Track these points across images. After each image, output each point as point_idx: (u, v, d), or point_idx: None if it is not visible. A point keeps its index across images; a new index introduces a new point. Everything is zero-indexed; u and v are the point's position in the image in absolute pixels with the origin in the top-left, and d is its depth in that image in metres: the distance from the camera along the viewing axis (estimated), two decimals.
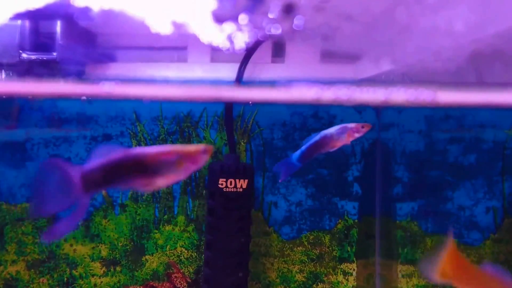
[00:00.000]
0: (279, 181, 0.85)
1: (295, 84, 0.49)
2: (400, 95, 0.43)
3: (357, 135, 0.70)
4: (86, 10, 0.75)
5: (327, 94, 0.44)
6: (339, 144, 0.69)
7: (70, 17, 0.89)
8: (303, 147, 0.71)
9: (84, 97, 0.95)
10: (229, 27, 0.56)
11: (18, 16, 0.86)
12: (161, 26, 0.59)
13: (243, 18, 0.53)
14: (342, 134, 0.69)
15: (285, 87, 0.49)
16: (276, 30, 0.56)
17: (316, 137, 0.70)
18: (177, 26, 0.59)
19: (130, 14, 0.67)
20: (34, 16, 0.86)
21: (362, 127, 0.70)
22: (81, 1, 0.67)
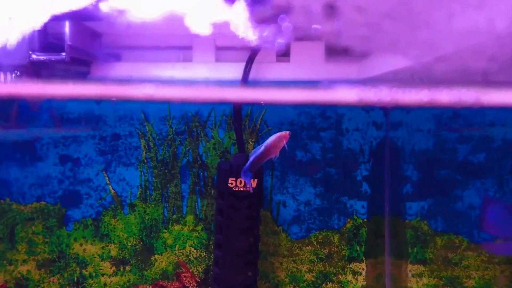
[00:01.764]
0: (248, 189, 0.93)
1: (336, 85, 0.48)
2: (443, 96, 0.43)
3: (285, 141, 0.81)
4: (94, 10, 0.75)
5: (369, 95, 0.44)
6: (276, 151, 0.81)
7: (79, 18, 0.89)
8: (250, 159, 0.82)
9: (114, 99, 0.96)
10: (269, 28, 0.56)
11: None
12: (197, 28, 0.59)
13: (282, 18, 0.52)
14: (280, 142, 0.81)
15: (326, 88, 0.49)
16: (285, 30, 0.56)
17: (261, 148, 0.82)
18: (217, 27, 0.59)
19: (135, 14, 0.67)
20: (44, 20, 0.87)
21: (289, 134, 0.81)
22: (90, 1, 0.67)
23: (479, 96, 0.47)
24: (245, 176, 0.84)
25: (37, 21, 0.71)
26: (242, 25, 0.54)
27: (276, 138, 0.81)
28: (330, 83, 0.48)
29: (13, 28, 0.61)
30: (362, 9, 0.45)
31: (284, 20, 0.50)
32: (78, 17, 0.88)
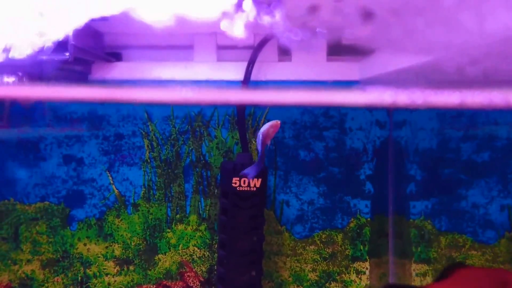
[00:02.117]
0: (250, 178, 0.95)
1: (368, 87, 0.48)
2: (475, 97, 0.42)
3: (276, 129, 0.83)
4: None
5: (402, 98, 0.43)
6: (270, 137, 0.83)
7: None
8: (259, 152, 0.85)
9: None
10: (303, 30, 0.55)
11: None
12: (234, 32, 0.58)
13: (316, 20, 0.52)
14: (266, 128, 0.83)
15: (360, 90, 0.48)
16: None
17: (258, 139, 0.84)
18: (250, 28, 0.58)
19: (136, 13, 0.67)
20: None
21: (277, 123, 0.83)
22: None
23: (509, 98, 0.46)
24: (254, 169, 0.86)
25: (71, 26, 0.70)
26: (276, 28, 0.54)
27: (268, 128, 0.82)
28: (339, 83, 0.47)
29: (47, 33, 0.60)
30: (396, 10, 0.44)
31: (318, 23, 0.50)
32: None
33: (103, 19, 0.89)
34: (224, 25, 0.52)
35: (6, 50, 0.59)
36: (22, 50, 0.62)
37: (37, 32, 0.60)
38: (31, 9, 0.55)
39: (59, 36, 0.61)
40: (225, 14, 0.51)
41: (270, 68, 1.01)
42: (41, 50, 0.70)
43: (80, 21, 0.58)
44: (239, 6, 0.49)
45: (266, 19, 0.48)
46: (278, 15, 0.47)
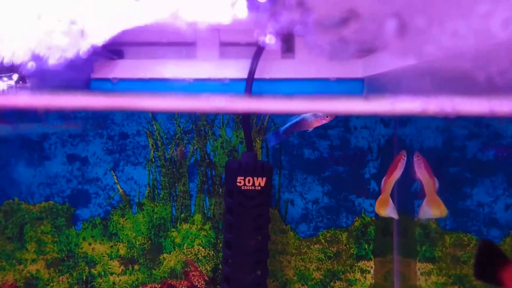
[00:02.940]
0: (269, 145, 1.04)
1: (372, 96, 0.47)
2: (504, 106, 0.41)
3: (323, 121, 0.88)
4: None
5: (431, 107, 0.42)
6: (310, 126, 0.89)
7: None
8: (287, 124, 0.91)
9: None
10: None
11: None
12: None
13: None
14: (313, 119, 0.88)
15: (388, 98, 0.47)
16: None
17: (297, 118, 0.90)
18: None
19: (138, 9, 0.66)
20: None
21: (327, 116, 0.87)
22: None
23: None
24: (274, 137, 0.93)
25: (107, 34, 0.69)
26: (307, 35, 0.53)
27: (312, 116, 0.88)
28: (341, 81, 0.46)
29: (77, 43, 0.60)
30: (431, 19, 0.43)
31: (350, 33, 0.48)
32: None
33: None
34: (256, 34, 0.51)
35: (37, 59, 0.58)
36: (51, 59, 0.62)
37: (66, 42, 0.59)
38: (61, 17, 0.55)
39: (97, 43, 0.60)
40: (257, 22, 0.50)
41: (273, 66, 1.00)
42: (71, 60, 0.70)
43: (115, 31, 0.58)
44: (272, 15, 0.48)
45: (297, 28, 0.47)
46: (310, 22, 0.46)
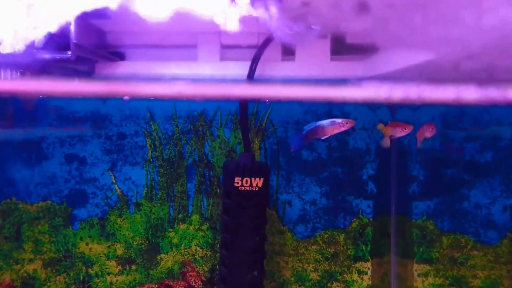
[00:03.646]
0: (292, 149, 1.03)
1: (364, 82, 0.47)
2: (470, 93, 0.42)
3: (342, 128, 0.84)
4: (101, 8, 0.75)
5: (397, 93, 0.43)
6: (328, 133, 0.85)
7: (85, 15, 0.89)
8: (304, 131, 0.89)
9: (126, 97, 0.95)
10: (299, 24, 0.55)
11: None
12: (229, 25, 0.58)
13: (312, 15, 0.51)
14: (330, 126, 0.85)
15: (355, 86, 0.48)
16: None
17: (312, 125, 0.87)
18: (247, 23, 0.58)
19: (140, 12, 0.66)
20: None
21: (347, 123, 0.84)
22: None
23: (507, 94, 0.46)
24: (298, 141, 0.90)
25: (61, 20, 0.70)
26: (271, 22, 0.53)
27: (329, 122, 0.85)
28: (343, 81, 0.47)
29: (37, 26, 0.60)
30: (392, 4, 0.44)
31: (314, 17, 0.49)
32: (84, 15, 0.88)
33: (105, 17, 0.89)
34: (218, 19, 0.51)
35: None
36: (13, 45, 0.62)
37: (26, 26, 0.59)
38: (19, 1, 0.55)
39: (51, 29, 0.60)
40: (219, 8, 0.50)
41: (273, 67, 1.01)
42: (32, 45, 0.70)
43: (71, 14, 0.58)
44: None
45: (260, 12, 0.48)
46: (272, 8, 0.47)
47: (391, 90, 0.42)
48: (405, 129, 0.86)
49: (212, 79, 1.00)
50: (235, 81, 0.99)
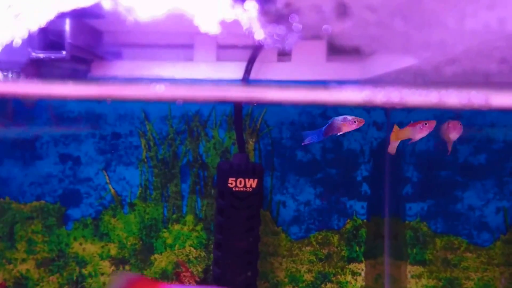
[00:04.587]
0: (307, 142, 0.97)
1: (343, 85, 0.48)
2: (452, 97, 0.42)
3: (353, 126, 0.84)
4: (96, 8, 0.75)
5: (379, 97, 0.43)
6: (341, 129, 0.85)
7: (80, 15, 0.89)
8: (324, 127, 0.88)
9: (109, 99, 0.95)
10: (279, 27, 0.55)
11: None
12: (206, 27, 0.58)
13: (293, 18, 0.52)
14: (343, 122, 0.85)
15: (333, 89, 0.48)
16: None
17: (329, 121, 0.87)
18: (221, 25, 0.58)
19: (137, 11, 0.66)
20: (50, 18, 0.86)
21: (355, 121, 0.84)
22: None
23: (488, 99, 0.46)
24: (316, 136, 0.88)
25: (43, 18, 0.70)
26: (252, 24, 0.54)
27: (341, 118, 0.84)
28: (338, 83, 0.47)
29: (18, 25, 0.60)
30: (373, 8, 0.44)
31: (294, 19, 0.49)
32: (79, 15, 0.88)
33: (100, 16, 0.89)
34: (198, 21, 0.52)
35: None
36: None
37: (6, 25, 0.59)
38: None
39: (31, 28, 0.60)
40: (198, 8, 0.50)
41: (269, 68, 1.01)
42: (27, 44, 0.70)
43: (51, 14, 0.58)
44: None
45: (240, 14, 0.48)
46: (253, 10, 0.47)
47: (372, 93, 0.42)
48: (426, 124, 0.81)
49: (208, 80, 1.00)
50: (230, 82, 0.99)
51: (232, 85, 0.95)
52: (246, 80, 0.97)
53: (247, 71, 0.97)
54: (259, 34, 0.51)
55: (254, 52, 0.96)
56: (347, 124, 0.84)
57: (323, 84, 1.02)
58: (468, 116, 1.05)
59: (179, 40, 1.01)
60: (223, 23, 0.58)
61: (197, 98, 0.65)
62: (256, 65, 0.98)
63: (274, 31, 0.51)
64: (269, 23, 0.49)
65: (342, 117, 0.85)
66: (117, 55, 1.02)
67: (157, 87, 0.51)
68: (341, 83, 1.01)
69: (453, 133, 0.83)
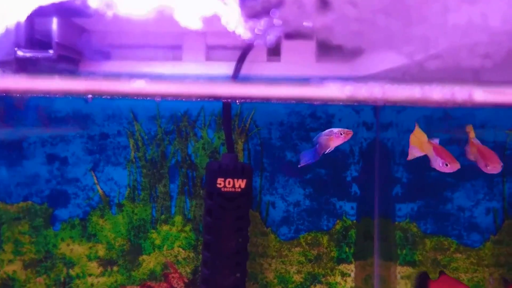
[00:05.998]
0: (303, 164, 0.92)
1: (327, 81, 0.47)
2: (436, 93, 0.42)
3: (339, 139, 0.79)
4: (83, 7, 0.74)
5: (361, 92, 0.42)
6: (328, 145, 0.80)
7: (66, 13, 0.88)
8: (315, 144, 0.83)
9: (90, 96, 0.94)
10: (260, 22, 0.55)
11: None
12: (187, 22, 0.57)
13: (274, 12, 0.51)
14: (328, 137, 0.80)
15: (317, 84, 0.48)
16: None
17: (317, 137, 0.82)
18: (208, 24, 0.58)
19: (125, 11, 0.66)
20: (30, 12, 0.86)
21: (341, 133, 0.79)
22: None
23: (472, 94, 0.46)
24: (311, 155, 0.83)
25: (22, 13, 0.70)
26: (233, 19, 0.53)
27: (327, 132, 0.80)
28: (321, 79, 0.47)
29: None
30: (355, 3, 0.44)
31: (275, 14, 0.49)
32: (66, 13, 0.87)
33: (86, 15, 0.88)
34: (177, 15, 0.51)
35: None
36: None
37: None
38: None
39: (10, 24, 0.60)
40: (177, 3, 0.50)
41: (259, 68, 1.00)
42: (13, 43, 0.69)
43: (23, 12, 0.57)
44: None
45: (220, 8, 0.47)
46: (233, 4, 0.46)
47: (354, 89, 0.42)
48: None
49: (196, 78, 1.00)
50: (213, 79, 0.99)
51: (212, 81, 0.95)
52: (235, 79, 0.97)
53: (237, 70, 0.96)
54: (239, 29, 0.50)
55: (243, 52, 0.96)
56: (333, 139, 0.79)
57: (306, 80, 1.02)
58: (458, 117, 1.05)
59: (168, 40, 1.00)
60: (208, 22, 0.58)
61: (187, 95, 0.64)
62: (245, 65, 0.97)
63: (255, 26, 0.50)
64: (249, 17, 0.49)
65: (327, 131, 0.80)
66: (105, 55, 1.02)
67: (137, 82, 0.51)
68: (330, 80, 1.01)
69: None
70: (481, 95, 0.46)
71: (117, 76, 1.00)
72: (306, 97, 0.50)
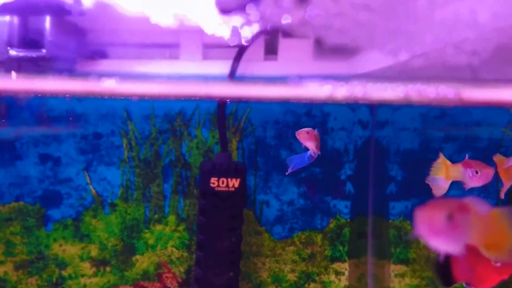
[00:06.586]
0: (286, 173, 0.93)
1: (306, 80, 0.47)
2: (422, 91, 0.41)
3: (302, 139, 0.82)
4: (77, 5, 0.73)
5: (341, 91, 0.42)
6: (310, 147, 0.83)
7: (60, 12, 0.87)
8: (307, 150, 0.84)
9: (68, 96, 0.94)
10: (235, 18, 0.54)
11: (6, 11, 0.84)
12: (159, 19, 0.57)
13: (250, 8, 0.50)
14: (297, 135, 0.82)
15: (295, 83, 0.47)
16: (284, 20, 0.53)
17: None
18: (177, 19, 0.57)
19: (121, 9, 0.65)
20: (22, 11, 0.85)
21: (307, 132, 0.82)
22: None
23: (459, 93, 0.46)
24: (298, 160, 0.85)
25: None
26: (206, 15, 0.52)
27: (298, 136, 0.82)
28: (300, 78, 0.46)
29: None
30: None
31: (252, 9, 0.48)
32: (58, 11, 0.86)
33: (80, 14, 0.87)
34: (147, 12, 0.51)
35: None
36: None
37: None
38: None
39: None
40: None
41: (255, 67, 1.00)
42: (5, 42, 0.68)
43: None
44: None
45: (195, 7, 0.47)
46: (207, 1, 0.46)
47: (334, 88, 0.42)
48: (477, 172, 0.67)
49: (193, 77, 0.99)
50: (208, 78, 0.98)
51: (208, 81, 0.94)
52: (232, 78, 0.96)
53: (233, 69, 0.96)
54: (213, 26, 0.50)
55: (240, 50, 0.95)
56: (300, 137, 0.82)
57: (283, 79, 1.01)
58: (453, 115, 1.05)
59: (165, 39, 1.00)
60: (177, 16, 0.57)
61: (182, 95, 0.63)
62: (242, 64, 0.96)
63: (230, 23, 0.50)
64: (224, 13, 0.48)
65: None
66: (101, 54, 1.01)
67: (107, 82, 0.50)
68: (286, 78, 1.00)
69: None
70: (468, 93, 0.46)
71: (86, 75, 1.00)
72: (284, 97, 0.50)
